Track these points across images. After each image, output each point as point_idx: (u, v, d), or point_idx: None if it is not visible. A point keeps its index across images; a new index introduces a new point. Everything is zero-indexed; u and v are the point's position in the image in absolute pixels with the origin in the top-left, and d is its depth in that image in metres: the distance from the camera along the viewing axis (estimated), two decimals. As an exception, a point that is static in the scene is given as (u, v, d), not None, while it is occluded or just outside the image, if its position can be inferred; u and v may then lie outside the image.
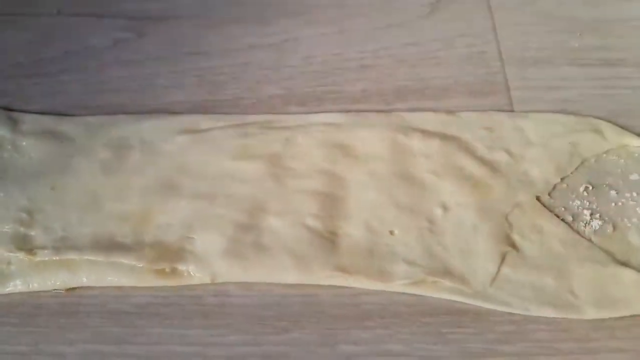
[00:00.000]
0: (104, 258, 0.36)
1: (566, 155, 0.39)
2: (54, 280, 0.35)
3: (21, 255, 0.36)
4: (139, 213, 0.38)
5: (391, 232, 0.36)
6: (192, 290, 0.35)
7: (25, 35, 0.45)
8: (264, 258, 0.36)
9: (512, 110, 0.42)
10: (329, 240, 0.36)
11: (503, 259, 0.35)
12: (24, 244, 0.36)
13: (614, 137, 0.40)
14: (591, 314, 0.33)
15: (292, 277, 0.35)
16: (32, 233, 0.37)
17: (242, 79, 0.45)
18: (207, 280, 0.35)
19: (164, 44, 0.47)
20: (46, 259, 0.36)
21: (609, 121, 0.41)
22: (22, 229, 0.37)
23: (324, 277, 0.35)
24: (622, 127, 0.41)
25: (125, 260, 0.35)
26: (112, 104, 0.44)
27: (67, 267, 0.36)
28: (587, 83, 0.43)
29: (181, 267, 0.35)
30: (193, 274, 0.35)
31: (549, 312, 0.34)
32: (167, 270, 0.35)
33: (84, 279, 0.35)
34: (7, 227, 0.37)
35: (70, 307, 0.35)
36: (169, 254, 0.36)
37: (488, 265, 0.35)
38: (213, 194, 0.38)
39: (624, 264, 0.35)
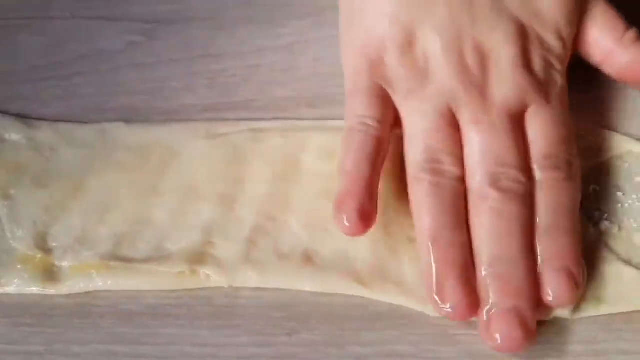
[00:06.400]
0: (124, 263, 0.36)
1: None
2: (72, 285, 0.36)
3: (40, 254, 0.36)
4: (159, 217, 0.38)
5: (409, 239, 0.36)
6: (203, 292, 0.36)
7: (40, 39, 0.45)
8: (282, 264, 0.36)
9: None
10: (347, 247, 0.36)
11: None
12: (44, 245, 0.37)
13: (617, 144, 0.40)
14: (590, 311, 0.33)
15: (308, 285, 0.35)
16: (53, 243, 0.37)
17: (253, 81, 0.45)
18: (224, 284, 0.36)
19: (175, 46, 0.47)
20: (64, 264, 0.36)
21: (615, 128, 0.41)
22: (42, 230, 0.37)
23: (342, 287, 0.35)
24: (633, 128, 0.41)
25: (146, 264, 0.36)
26: (125, 107, 0.44)
27: (84, 272, 0.36)
28: (595, 84, 0.43)
29: (200, 270, 0.36)
30: (211, 278, 0.36)
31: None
32: (187, 273, 0.36)
33: (100, 283, 0.36)
34: (27, 227, 0.37)
35: (84, 307, 0.35)
36: (190, 257, 0.36)
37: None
38: (231, 198, 0.38)
39: (626, 262, 0.35)
